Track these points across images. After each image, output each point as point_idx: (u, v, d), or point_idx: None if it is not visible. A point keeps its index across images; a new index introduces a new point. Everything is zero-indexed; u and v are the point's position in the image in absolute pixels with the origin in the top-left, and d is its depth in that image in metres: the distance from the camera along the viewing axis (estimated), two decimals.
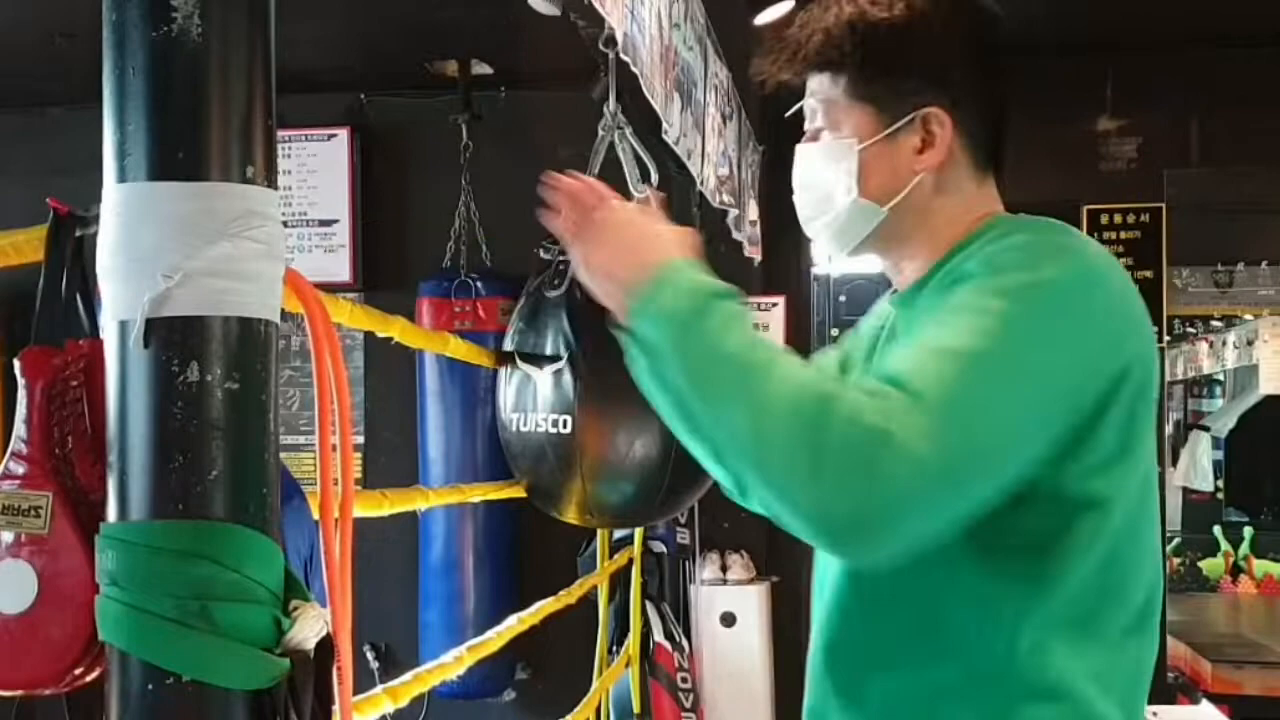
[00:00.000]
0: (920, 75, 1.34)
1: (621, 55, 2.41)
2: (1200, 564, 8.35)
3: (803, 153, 1.44)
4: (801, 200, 1.45)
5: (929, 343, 1.21)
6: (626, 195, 2.81)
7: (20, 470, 1.19)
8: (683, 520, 4.43)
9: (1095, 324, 1.23)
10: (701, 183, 3.53)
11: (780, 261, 4.72)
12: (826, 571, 1.41)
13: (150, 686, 1.11)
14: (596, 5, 2.15)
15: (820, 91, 1.39)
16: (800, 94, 1.44)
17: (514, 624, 2.61)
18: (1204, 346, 9.82)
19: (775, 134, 4.22)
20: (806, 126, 1.44)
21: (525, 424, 2.65)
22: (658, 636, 4.18)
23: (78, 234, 1.29)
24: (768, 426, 1.16)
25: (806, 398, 1.16)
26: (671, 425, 1.28)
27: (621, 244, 1.32)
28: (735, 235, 4.13)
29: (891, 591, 1.31)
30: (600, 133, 2.71)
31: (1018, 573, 1.25)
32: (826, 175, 1.39)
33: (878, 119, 1.35)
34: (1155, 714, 3.57)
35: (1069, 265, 1.25)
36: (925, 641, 1.29)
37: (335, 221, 4.85)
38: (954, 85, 1.34)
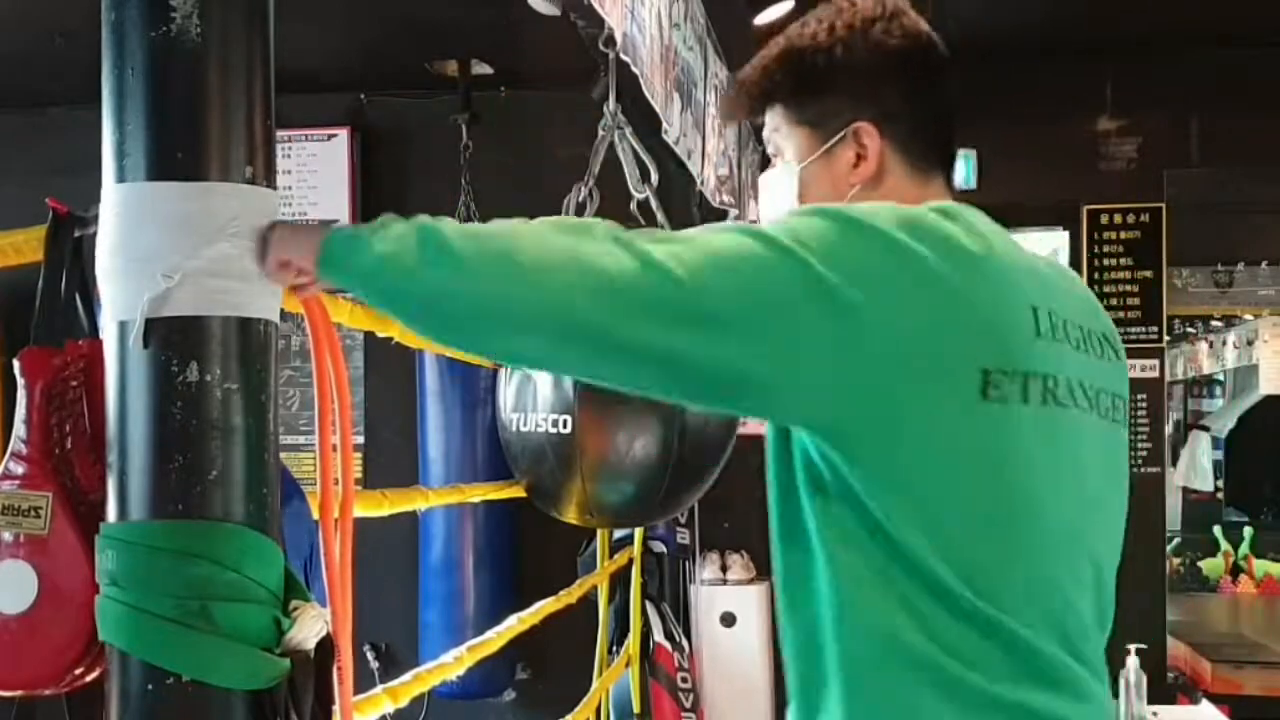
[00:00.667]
0: (846, 93, 1.41)
1: (621, 55, 2.41)
2: (1200, 564, 8.35)
3: (762, 182, 1.53)
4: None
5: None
6: (626, 195, 2.82)
7: (20, 470, 1.19)
8: (683, 520, 4.43)
9: (876, 263, 1.21)
10: (701, 183, 3.54)
11: None
12: None
13: (150, 686, 1.11)
14: (596, 5, 2.15)
15: (770, 123, 1.48)
16: None
17: (514, 624, 2.61)
18: (1204, 346, 9.82)
19: None
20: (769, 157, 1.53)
21: (525, 424, 2.65)
22: (658, 636, 4.18)
23: (77, 234, 1.29)
24: (566, 269, 1.17)
25: (563, 229, 1.20)
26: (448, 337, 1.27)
27: (277, 238, 1.25)
28: None
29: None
30: (600, 133, 2.71)
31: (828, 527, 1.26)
32: (779, 198, 1.47)
33: (814, 138, 1.43)
34: (1155, 714, 3.57)
35: (895, 215, 1.25)
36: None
37: (335, 221, 4.85)
38: (882, 100, 1.41)
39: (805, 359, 1.20)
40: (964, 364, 1.23)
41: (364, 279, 1.19)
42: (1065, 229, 5.06)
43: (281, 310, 1.23)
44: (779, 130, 1.46)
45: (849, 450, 1.24)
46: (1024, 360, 1.27)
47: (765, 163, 1.52)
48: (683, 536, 4.48)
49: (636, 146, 2.73)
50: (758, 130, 1.51)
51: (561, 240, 1.19)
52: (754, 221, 1.39)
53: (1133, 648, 3.33)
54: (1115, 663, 3.10)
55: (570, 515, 2.76)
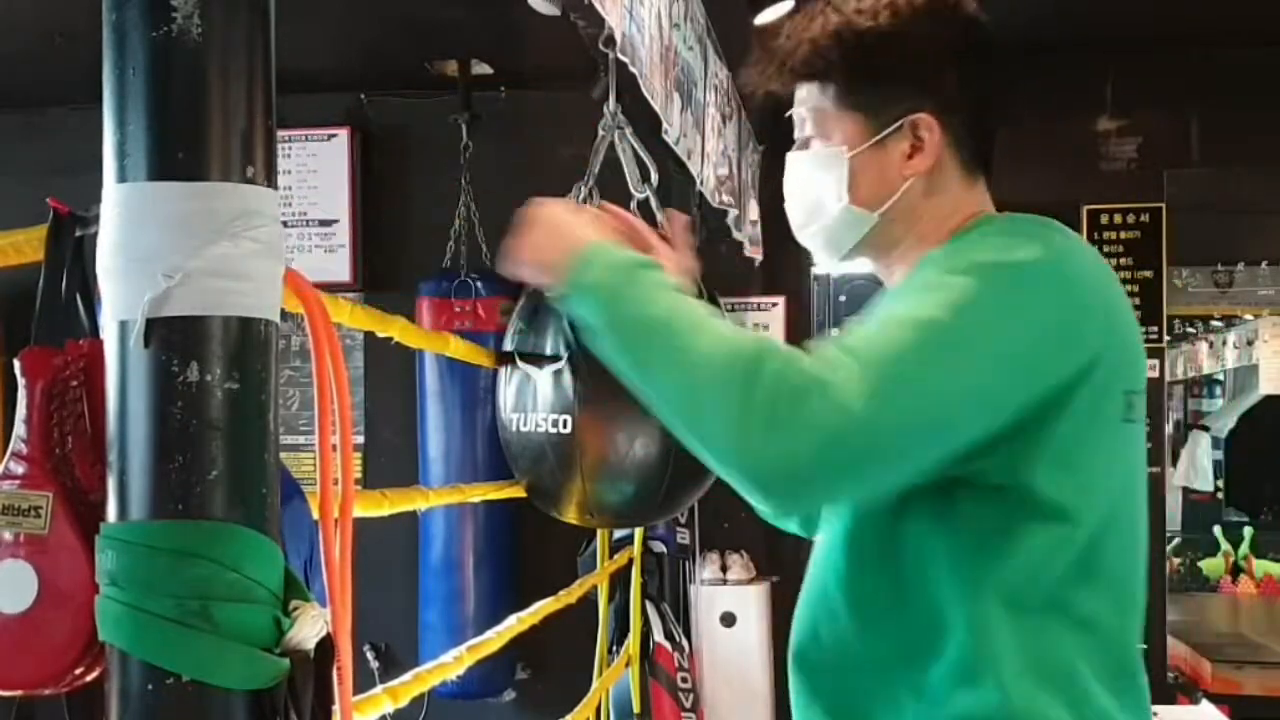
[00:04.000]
0: (907, 82, 1.35)
1: (621, 55, 2.41)
2: (1200, 564, 8.35)
3: (793, 161, 1.45)
4: (793, 208, 1.46)
5: (882, 315, 1.23)
6: (626, 195, 2.81)
7: (20, 470, 1.19)
8: (683, 520, 4.43)
9: (1059, 309, 1.22)
10: (701, 183, 3.53)
11: (780, 261, 4.72)
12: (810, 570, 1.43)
13: (150, 686, 1.11)
14: (596, 5, 2.15)
15: (809, 100, 1.40)
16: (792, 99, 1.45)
17: (514, 624, 2.61)
18: (1204, 346, 9.82)
19: (775, 134, 4.22)
20: (796, 135, 1.45)
21: (525, 424, 2.65)
22: (658, 636, 4.18)
23: (78, 234, 1.29)
24: (699, 380, 1.16)
25: (740, 350, 1.17)
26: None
27: (546, 232, 1.35)
28: (735, 235, 4.13)
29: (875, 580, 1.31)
30: (600, 133, 2.71)
31: (965, 565, 1.24)
32: (817, 183, 1.40)
33: (866, 126, 1.36)
34: (1155, 714, 3.56)
35: (1040, 249, 1.25)
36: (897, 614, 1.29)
37: (335, 221, 4.85)
38: (941, 91, 1.35)
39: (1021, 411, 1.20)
40: (1114, 387, 1.26)
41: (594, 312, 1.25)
42: None
43: (282, 310, 1.23)
44: (823, 111, 1.38)
45: (1006, 473, 1.23)
46: (1140, 378, 1.31)
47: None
48: (683, 536, 4.48)
49: (636, 146, 2.73)
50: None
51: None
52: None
53: None
54: None
55: (570, 515, 2.75)
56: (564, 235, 1.32)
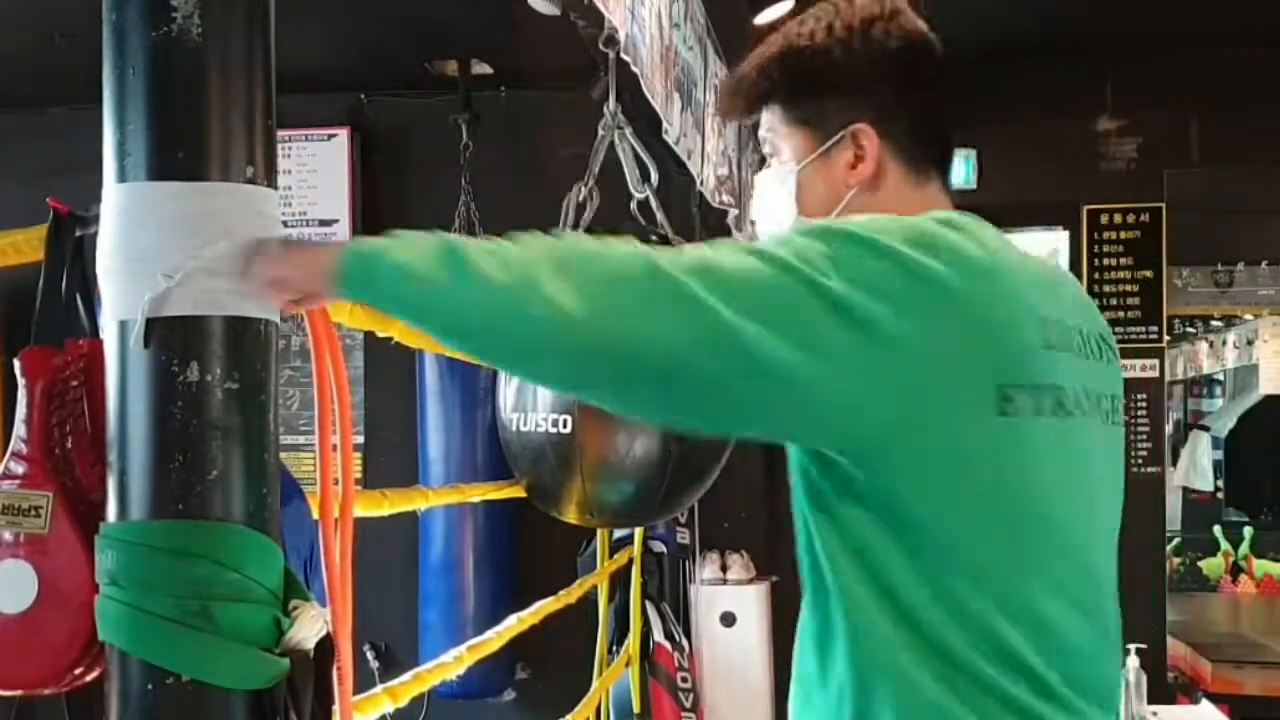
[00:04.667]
0: (843, 94, 1.40)
1: (621, 55, 2.41)
2: (1200, 564, 8.35)
3: (758, 182, 1.52)
4: (759, 224, 1.53)
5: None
6: (626, 195, 2.82)
7: (20, 470, 1.19)
8: (683, 520, 4.43)
9: (890, 288, 1.19)
10: (701, 183, 3.54)
11: None
12: None
13: (150, 686, 1.11)
14: (599, 5, 2.15)
15: (766, 123, 1.46)
16: None
17: (514, 624, 2.61)
18: (1204, 346, 9.82)
19: None
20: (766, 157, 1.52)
21: (525, 424, 2.65)
22: (658, 636, 4.18)
23: (78, 234, 1.29)
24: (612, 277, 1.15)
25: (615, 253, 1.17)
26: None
27: (271, 259, 1.20)
28: (735, 235, 4.14)
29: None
30: (600, 133, 2.71)
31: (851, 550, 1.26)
32: (774, 197, 1.46)
33: (811, 139, 1.42)
34: (1155, 714, 3.56)
35: (898, 233, 1.22)
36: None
37: (335, 221, 4.85)
38: (878, 101, 1.40)
39: (826, 377, 1.17)
40: (980, 380, 1.22)
41: (389, 298, 1.18)
42: (1065, 229, 5.06)
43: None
44: (775, 130, 1.45)
45: (866, 473, 1.22)
46: (1035, 373, 1.26)
47: (764, 163, 1.52)
48: (683, 536, 4.48)
49: (636, 146, 2.73)
50: (757, 129, 1.51)
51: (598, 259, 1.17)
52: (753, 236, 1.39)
53: (1133, 648, 3.32)
54: None
55: (570, 515, 2.76)
56: (299, 254, 1.21)
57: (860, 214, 1.35)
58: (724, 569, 4.75)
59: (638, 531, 3.96)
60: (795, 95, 1.42)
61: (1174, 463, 8.86)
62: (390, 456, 4.84)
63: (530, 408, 2.64)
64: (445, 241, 1.18)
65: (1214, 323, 9.22)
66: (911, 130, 1.41)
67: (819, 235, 1.22)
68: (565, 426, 2.58)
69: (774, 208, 1.45)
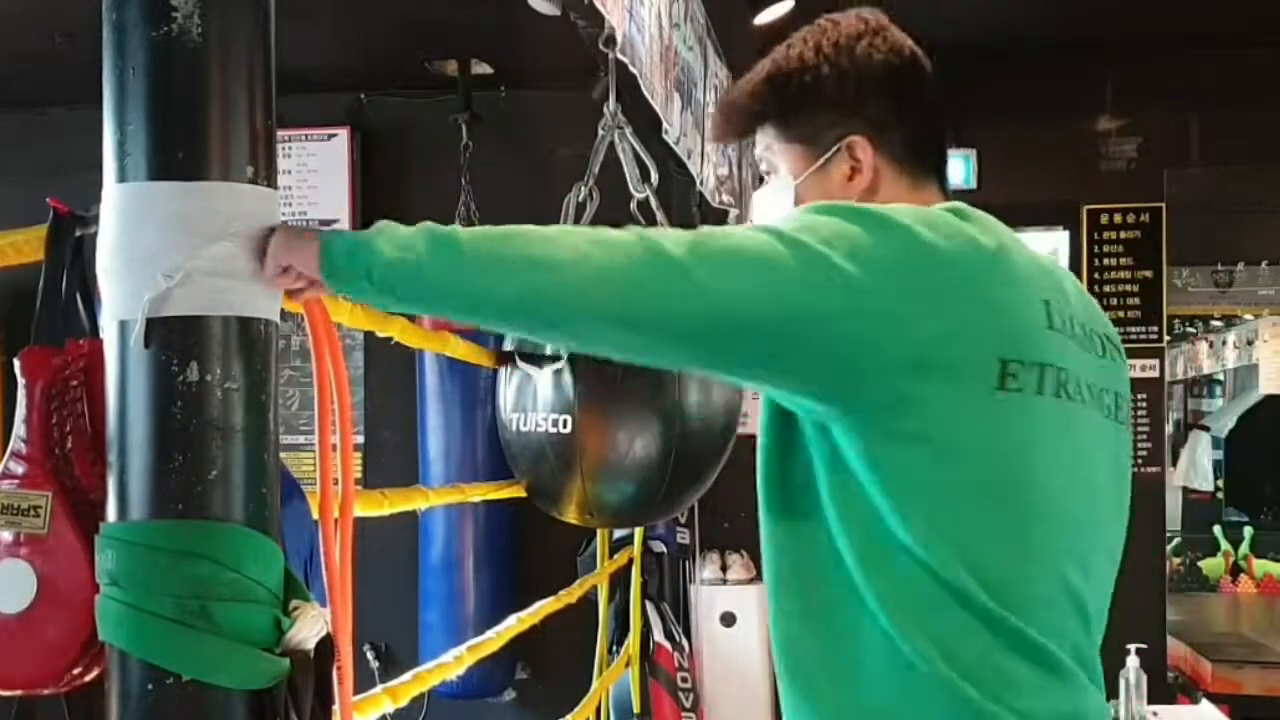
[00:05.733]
0: (835, 109, 1.43)
1: (621, 55, 2.41)
2: (1200, 564, 8.35)
3: (756, 198, 1.55)
4: None
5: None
6: (626, 195, 2.81)
7: (20, 470, 1.19)
8: (683, 520, 4.43)
9: (874, 268, 1.21)
10: (701, 183, 3.54)
11: None
12: None
13: (150, 686, 1.11)
14: (598, 4, 2.15)
15: (762, 142, 1.50)
16: None
17: (514, 624, 2.61)
18: (1204, 346, 9.82)
19: None
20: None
21: (525, 424, 2.65)
22: (658, 636, 4.18)
23: (78, 234, 1.29)
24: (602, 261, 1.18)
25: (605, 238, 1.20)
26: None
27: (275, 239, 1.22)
28: None
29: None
30: (600, 133, 2.71)
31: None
32: (775, 215, 1.46)
33: (807, 154, 1.45)
34: (1155, 714, 3.56)
35: (909, 213, 1.26)
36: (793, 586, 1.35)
37: (335, 221, 4.85)
38: (870, 113, 1.43)
39: (829, 349, 1.21)
40: (982, 354, 1.24)
41: (373, 287, 1.17)
42: (1065, 229, 5.06)
43: (281, 310, 1.23)
44: (771, 149, 1.48)
45: (863, 441, 1.24)
46: (1039, 351, 1.28)
47: (763, 181, 1.54)
48: (683, 536, 4.48)
49: (636, 146, 2.73)
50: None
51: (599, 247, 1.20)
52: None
53: (1133, 648, 3.33)
54: (1115, 663, 3.11)
55: (570, 515, 2.76)
56: (300, 239, 1.21)
57: None
58: (724, 569, 4.75)
59: (638, 531, 3.96)
60: (787, 115, 1.46)
61: (1174, 463, 8.86)
62: (390, 456, 4.84)
63: (530, 408, 2.64)
64: (428, 226, 1.20)
65: (1214, 323, 9.22)
66: (905, 138, 1.44)
67: (829, 211, 1.26)
68: (565, 426, 2.58)
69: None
